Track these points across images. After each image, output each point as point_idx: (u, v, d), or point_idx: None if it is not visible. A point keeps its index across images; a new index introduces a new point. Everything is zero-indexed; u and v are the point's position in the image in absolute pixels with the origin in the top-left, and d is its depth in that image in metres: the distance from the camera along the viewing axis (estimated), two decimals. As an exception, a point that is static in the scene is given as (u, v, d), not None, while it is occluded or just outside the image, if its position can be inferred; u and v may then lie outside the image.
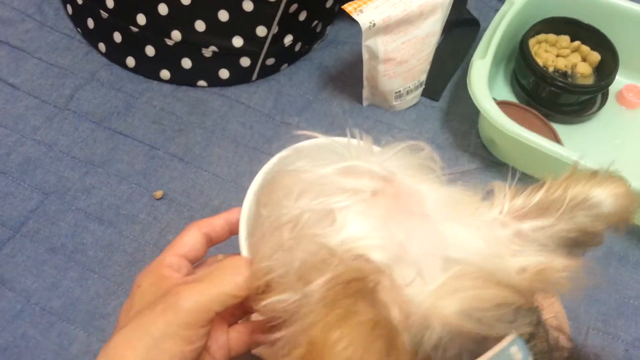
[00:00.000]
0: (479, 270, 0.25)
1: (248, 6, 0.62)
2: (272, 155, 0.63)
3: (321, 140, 0.34)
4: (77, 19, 0.71)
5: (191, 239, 0.34)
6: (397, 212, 0.27)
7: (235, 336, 0.33)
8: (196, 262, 0.34)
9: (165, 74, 0.68)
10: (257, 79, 0.69)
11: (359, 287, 0.23)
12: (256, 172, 0.62)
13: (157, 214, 0.59)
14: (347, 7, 0.56)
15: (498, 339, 0.24)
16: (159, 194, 0.60)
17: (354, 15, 0.56)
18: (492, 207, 0.28)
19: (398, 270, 0.24)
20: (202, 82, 0.68)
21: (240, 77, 0.68)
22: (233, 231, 0.35)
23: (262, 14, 0.62)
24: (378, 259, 0.25)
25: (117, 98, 0.67)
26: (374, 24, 0.56)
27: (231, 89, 0.68)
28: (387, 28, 0.57)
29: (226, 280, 0.29)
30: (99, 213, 0.59)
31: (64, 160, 0.62)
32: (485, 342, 0.24)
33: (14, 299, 0.54)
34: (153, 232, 0.58)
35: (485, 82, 0.58)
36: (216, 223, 0.35)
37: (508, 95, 0.70)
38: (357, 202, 0.27)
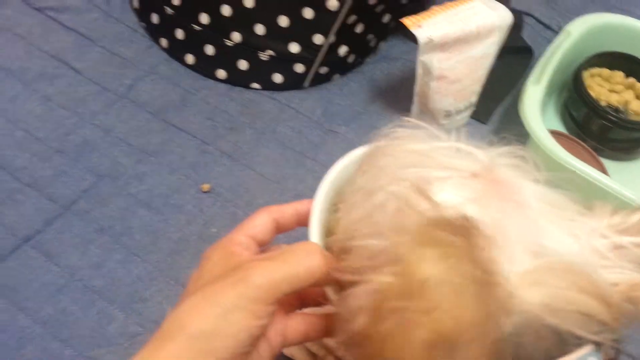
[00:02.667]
0: (571, 272, 0.24)
1: (308, 14, 0.63)
2: (317, 161, 0.65)
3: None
4: (143, 13, 0.74)
5: (261, 222, 0.34)
6: (494, 195, 0.27)
7: (292, 325, 0.33)
8: (263, 246, 0.35)
9: (221, 73, 0.70)
10: (309, 86, 0.70)
11: (459, 230, 0.22)
12: (301, 175, 0.64)
13: (202, 206, 0.61)
14: (406, 21, 0.58)
15: (576, 346, 0.24)
16: (206, 187, 0.62)
17: (413, 30, 0.57)
18: (592, 217, 0.28)
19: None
20: (255, 85, 0.70)
21: (293, 82, 0.70)
22: (301, 222, 0.36)
23: (321, 22, 0.64)
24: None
25: (174, 92, 0.69)
26: (432, 40, 0.57)
27: (283, 94, 0.70)
28: (444, 45, 0.58)
29: (298, 262, 0.30)
30: (148, 200, 0.61)
31: (120, 146, 0.65)
32: (561, 345, 0.24)
33: (58, 274, 0.56)
34: (197, 223, 0.60)
35: (537, 107, 0.58)
36: (286, 211, 0.36)
37: (558, 126, 0.70)
38: (456, 178, 0.27)
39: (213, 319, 0.27)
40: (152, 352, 0.28)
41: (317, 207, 0.35)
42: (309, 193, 0.61)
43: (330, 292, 0.32)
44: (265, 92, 0.70)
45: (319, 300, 0.36)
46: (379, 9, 0.67)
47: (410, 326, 0.21)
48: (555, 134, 0.66)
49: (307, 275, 0.30)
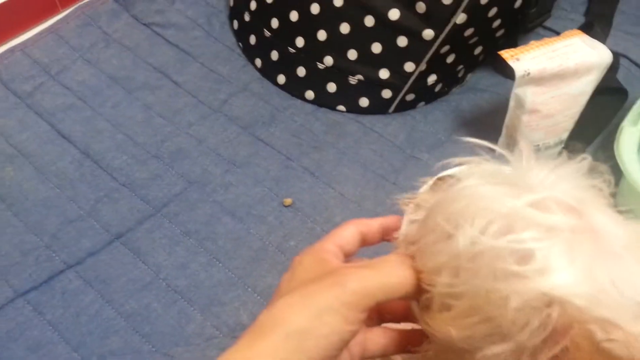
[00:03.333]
0: None
1: (402, 42, 0.65)
2: (397, 185, 0.65)
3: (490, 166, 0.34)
4: (241, 34, 0.79)
5: (349, 233, 0.35)
6: (595, 251, 0.26)
7: (372, 337, 0.34)
8: (348, 257, 0.36)
9: (310, 94, 0.73)
10: (393, 111, 0.72)
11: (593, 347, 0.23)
12: (380, 198, 0.64)
13: (283, 219, 0.63)
14: (504, 54, 0.58)
15: None
16: (288, 201, 0.63)
17: (510, 62, 0.57)
18: None
19: (597, 314, 0.24)
20: (341, 107, 0.72)
21: (379, 107, 0.71)
22: (385, 237, 0.36)
23: (414, 50, 0.65)
24: (585, 305, 0.24)
25: (264, 109, 0.73)
26: (528, 74, 0.56)
27: (367, 117, 0.72)
28: (540, 80, 0.57)
29: (391, 272, 0.30)
30: (233, 208, 0.63)
31: (210, 155, 0.68)
32: None
33: (145, 271, 0.59)
34: (277, 235, 0.61)
35: (635, 148, 0.56)
36: (372, 225, 0.36)
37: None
38: (557, 242, 0.26)
39: (308, 319, 0.28)
40: (248, 345, 0.29)
41: (407, 219, 0.35)
42: (387, 215, 0.62)
43: (415, 307, 0.32)
44: (350, 115, 0.72)
45: (397, 315, 0.36)
46: (472, 40, 0.68)
47: None
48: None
49: (399, 287, 0.30)
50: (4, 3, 0.76)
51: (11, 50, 0.77)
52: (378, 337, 0.34)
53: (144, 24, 0.82)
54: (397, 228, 0.37)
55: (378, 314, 0.36)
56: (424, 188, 0.41)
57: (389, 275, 0.30)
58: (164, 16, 0.82)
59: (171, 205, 0.64)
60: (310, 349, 0.28)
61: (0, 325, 0.55)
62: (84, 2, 0.84)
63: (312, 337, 0.28)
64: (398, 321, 0.37)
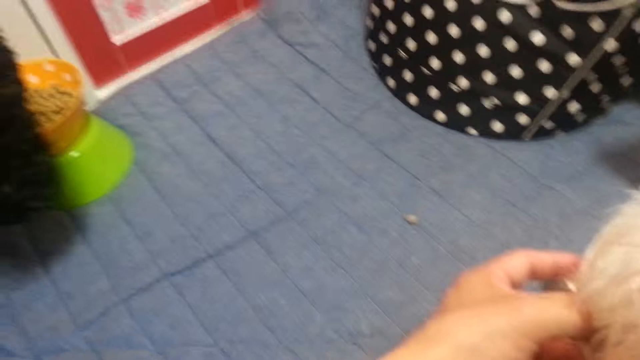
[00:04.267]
0: None
1: (545, 67, 0.64)
2: (528, 213, 0.64)
3: None
4: (376, 55, 0.82)
5: (519, 263, 0.35)
6: None
7: None
8: (515, 288, 0.36)
9: (441, 116, 0.74)
10: (529, 138, 0.70)
11: None
12: (509, 225, 0.63)
13: (406, 235, 0.64)
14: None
15: None
16: (413, 219, 0.65)
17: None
18: None
19: None
20: (473, 131, 0.72)
21: (513, 133, 0.70)
22: (558, 274, 0.36)
23: (556, 76, 0.64)
24: None
25: (393, 127, 0.75)
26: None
27: (500, 142, 0.71)
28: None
29: (568, 308, 0.29)
30: (358, 219, 0.66)
31: (340, 168, 0.71)
32: None
33: (275, 269, 0.63)
34: (399, 250, 0.63)
35: None
36: (545, 259, 0.35)
37: None
38: None
39: (480, 336, 0.29)
40: (418, 351, 0.30)
41: (589, 257, 0.34)
42: (516, 244, 0.61)
43: (587, 350, 0.31)
44: (482, 139, 0.72)
45: (556, 356, 0.35)
46: (622, 70, 0.65)
47: None
48: None
49: (574, 324, 0.30)
50: (170, 21, 0.87)
51: (174, 62, 0.88)
52: None
53: (288, 43, 0.89)
54: (571, 267, 0.36)
55: (536, 353, 0.36)
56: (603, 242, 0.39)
57: (566, 310, 0.30)
58: (306, 37, 0.88)
59: (302, 210, 0.68)
60: None
61: (147, 301, 0.62)
62: (237, 22, 0.93)
63: (480, 355, 0.29)
64: None
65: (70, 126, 0.66)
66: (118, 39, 0.83)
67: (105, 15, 0.79)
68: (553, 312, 0.30)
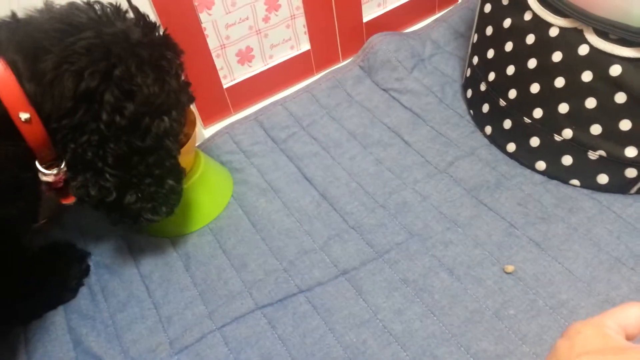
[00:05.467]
0: None
1: (657, 121, 0.61)
2: (636, 271, 0.60)
3: None
4: (473, 102, 0.83)
5: (633, 314, 0.34)
6: None
7: None
8: (629, 340, 0.35)
9: (541, 165, 0.72)
10: (636, 192, 0.67)
11: None
12: (615, 282, 0.60)
13: (503, 285, 0.62)
14: None
15: None
16: (510, 268, 0.63)
17: None
18: None
19: None
20: (575, 181, 0.70)
21: (619, 186, 0.67)
22: None
23: (670, 131, 0.61)
24: None
25: (490, 174, 0.74)
26: None
27: (605, 195, 0.68)
28: None
29: None
30: (451, 266, 0.65)
31: (432, 212, 0.71)
32: None
33: (365, 309, 0.64)
34: (495, 300, 0.61)
35: None
36: None
37: None
38: None
39: None
40: None
41: None
42: (621, 301, 0.58)
43: None
44: (585, 190, 0.69)
45: None
46: None
47: None
48: None
49: None
50: (273, 67, 0.92)
51: (274, 104, 0.93)
52: None
53: (383, 89, 0.91)
54: None
55: None
56: None
57: None
58: (401, 83, 0.90)
59: (392, 252, 0.68)
60: None
61: (241, 331, 0.64)
62: (334, 68, 0.97)
63: None
64: None
65: (187, 160, 0.72)
66: (226, 82, 0.89)
67: (218, 62, 0.86)
68: None
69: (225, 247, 0.73)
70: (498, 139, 0.77)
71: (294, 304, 0.65)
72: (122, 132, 0.53)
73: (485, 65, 0.78)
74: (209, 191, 0.77)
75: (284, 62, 0.93)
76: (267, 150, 0.86)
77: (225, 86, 0.90)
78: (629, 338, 0.34)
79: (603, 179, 0.67)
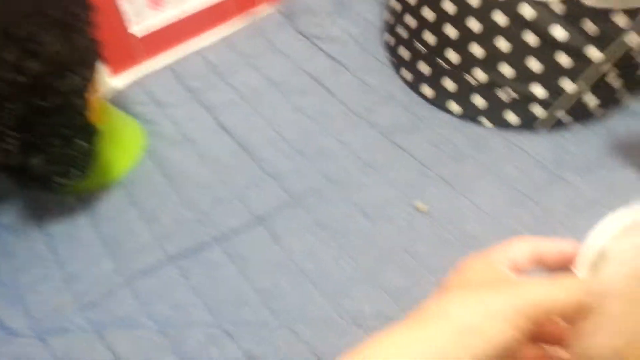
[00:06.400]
0: None
1: (564, 60, 0.62)
2: (539, 204, 0.62)
3: None
4: (394, 49, 0.82)
5: (522, 249, 0.34)
6: None
7: (528, 354, 0.33)
8: (518, 273, 0.35)
9: (456, 107, 0.72)
10: (543, 130, 0.69)
11: None
12: (520, 215, 0.61)
13: (415, 223, 0.63)
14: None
15: None
16: (421, 206, 0.64)
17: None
18: None
19: None
20: (487, 122, 0.71)
21: (528, 124, 0.69)
22: (563, 264, 0.35)
23: (576, 70, 0.62)
24: None
25: (406, 118, 0.74)
26: None
27: (514, 134, 0.69)
28: None
29: (569, 292, 0.29)
30: (366, 208, 0.65)
31: (350, 157, 0.71)
32: None
33: (279, 254, 0.63)
34: (406, 237, 0.62)
35: None
36: (550, 247, 0.35)
37: None
38: None
39: (478, 317, 0.28)
40: (416, 329, 0.30)
41: (593, 244, 0.33)
42: (524, 232, 0.60)
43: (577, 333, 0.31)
44: (496, 130, 0.70)
45: (555, 338, 0.35)
46: (638, 60, 0.63)
47: None
48: None
49: (574, 308, 0.29)
50: (189, 14, 0.88)
51: (191, 53, 0.89)
52: (532, 355, 0.33)
53: (305, 37, 0.89)
54: (575, 254, 0.35)
55: (536, 332, 0.35)
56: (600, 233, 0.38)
57: (566, 294, 0.29)
58: (323, 29, 0.88)
59: (309, 198, 0.67)
60: (474, 347, 0.28)
61: (151, 284, 0.62)
62: (255, 15, 0.94)
63: (478, 335, 0.28)
64: (553, 344, 0.35)
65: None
66: (137, 29, 0.84)
67: (126, 6, 0.80)
68: (553, 296, 0.29)
69: (136, 201, 0.70)
70: (416, 84, 0.77)
71: (207, 254, 0.64)
72: (24, 91, 0.49)
73: (404, 11, 0.77)
74: (118, 145, 0.73)
75: (198, 6, 0.88)
76: (182, 100, 0.82)
77: (134, 32, 0.84)
78: (518, 271, 0.34)
79: (512, 118, 0.69)
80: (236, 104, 0.80)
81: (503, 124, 0.69)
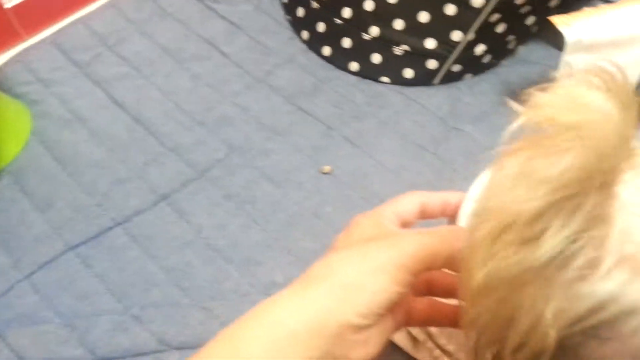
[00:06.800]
0: None
1: (450, 10, 0.63)
2: (437, 155, 0.64)
3: None
4: (289, 7, 0.80)
5: (409, 203, 0.35)
6: None
7: (418, 307, 0.34)
8: (406, 227, 0.36)
9: (354, 66, 0.72)
10: (438, 83, 0.70)
11: None
12: (419, 168, 0.63)
13: (320, 186, 0.63)
14: (555, 19, 0.55)
15: None
16: (327, 169, 0.64)
17: (561, 28, 0.54)
18: None
19: None
20: (385, 79, 0.71)
21: (423, 78, 0.70)
22: (446, 213, 0.36)
23: (462, 19, 0.64)
24: None
25: (307, 80, 0.73)
26: (580, 41, 0.54)
27: (411, 89, 0.71)
28: (592, 47, 0.55)
29: (446, 241, 0.30)
30: (272, 174, 0.64)
31: (252, 124, 0.69)
32: None
33: (187, 231, 0.61)
34: (314, 201, 0.62)
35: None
36: (434, 198, 0.36)
37: None
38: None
39: (360, 274, 0.29)
40: (298, 291, 0.30)
41: (470, 198, 0.35)
42: (426, 185, 0.62)
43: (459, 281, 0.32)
44: (394, 86, 0.71)
45: (446, 290, 0.36)
46: (524, 9, 0.65)
47: None
48: None
49: (454, 257, 0.30)
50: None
51: (74, 23, 0.82)
52: (424, 307, 0.34)
53: (197, -1, 0.84)
54: (458, 205, 0.37)
55: (427, 286, 0.37)
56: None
57: (444, 244, 0.31)
58: (216, -9, 0.84)
59: (214, 169, 0.66)
60: (357, 303, 0.29)
61: (51, 276, 0.59)
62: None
63: (361, 291, 0.29)
64: (446, 297, 0.37)
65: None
66: (10, 2, 0.76)
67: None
68: (430, 246, 0.30)
69: (27, 189, 0.65)
70: (314, 44, 0.76)
71: (110, 239, 0.61)
72: None
73: (294, -34, 0.75)
74: (1, 130, 0.67)
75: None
76: (69, 76, 0.76)
77: (7, 5, 0.76)
78: (406, 225, 0.35)
79: (409, 73, 0.70)
80: (128, 76, 0.75)
81: (400, 80, 0.70)
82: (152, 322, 0.54)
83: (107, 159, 0.67)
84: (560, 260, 0.21)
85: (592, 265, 0.21)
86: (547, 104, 0.23)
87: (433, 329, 0.45)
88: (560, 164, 0.21)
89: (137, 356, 0.53)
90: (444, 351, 0.45)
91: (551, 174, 0.21)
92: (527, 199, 0.22)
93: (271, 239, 0.59)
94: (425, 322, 0.35)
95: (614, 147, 0.22)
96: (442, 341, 0.44)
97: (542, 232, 0.21)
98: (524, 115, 0.24)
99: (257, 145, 0.67)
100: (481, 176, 0.37)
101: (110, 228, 0.62)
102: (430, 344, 0.45)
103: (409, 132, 0.66)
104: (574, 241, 0.21)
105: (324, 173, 0.64)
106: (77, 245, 0.60)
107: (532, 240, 0.21)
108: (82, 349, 0.53)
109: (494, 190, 0.25)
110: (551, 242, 0.21)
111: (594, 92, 0.22)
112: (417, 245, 0.30)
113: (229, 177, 0.65)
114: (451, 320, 0.34)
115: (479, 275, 0.23)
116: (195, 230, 0.61)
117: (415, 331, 0.46)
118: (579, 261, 0.21)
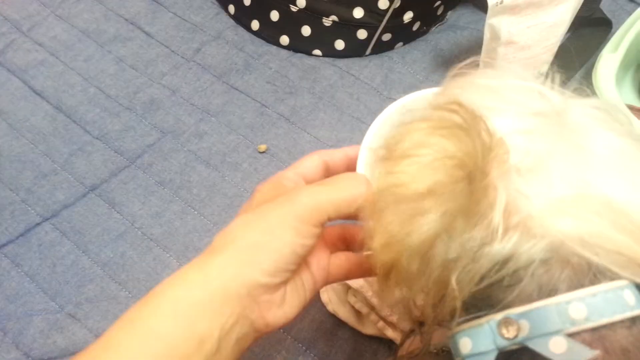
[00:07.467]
0: (612, 209, 0.23)
1: (374, -22, 0.63)
2: (366, 123, 0.64)
3: None
4: (213, -19, 0.76)
5: (311, 162, 0.35)
6: (554, 134, 0.25)
7: (336, 262, 0.34)
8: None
9: (284, 39, 0.71)
10: (370, 53, 0.70)
11: (460, 131, 0.23)
12: (356, 140, 0.63)
13: (258, 165, 0.62)
14: (476, -17, 0.55)
15: (609, 279, 0.22)
16: (263, 147, 0.63)
17: (482, -9, 0.55)
18: None
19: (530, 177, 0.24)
20: (317, 51, 0.70)
21: (355, 49, 0.69)
22: (350, 166, 0.36)
23: (387, -13, 0.63)
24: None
25: (238, 57, 0.71)
26: (502, 2, 0.54)
27: (344, 61, 0.70)
28: (515, 9, 0.55)
29: (343, 188, 0.30)
30: (207, 157, 0.62)
31: (184, 105, 0.67)
32: (591, 277, 0.22)
33: (120, 221, 0.59)
34: (252, 181, 0.61)
35: (612, 76, 0.54)
36: (336, 154, 0.36)
37: (635, 102, 0.65)
38: (517, 113, 0.26)
39: (260, 233, 0.29)
40: (203, 263, 0.29)
41: (365, 144, 0.35)
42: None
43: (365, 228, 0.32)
44: (326, 59, 0.70)
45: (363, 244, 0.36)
46: (448, -26, 0.65)
47: None
48: (632, 109, 0.61)
49: (351, 201, 0.30)
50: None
51: (-20, 8, 0.76)
52: (341, 262, 0.34)
53: (115, -24, 0.80)
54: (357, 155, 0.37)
55: (344, 243, 0.37)
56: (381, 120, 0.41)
57: (341, 190, 0.31)
58: (135, -33, 0.79)
59: (145, 156, 0.63)
60: (262, 262, 0.29)
61: (-21, 279, 0.55)
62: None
63: (263, 250, 0.29)
64: (363, 250, 0.37)
65: None
66: None
67: None
68: (329, 195, 0.30)
69: (-59, 190, 0.61)
70: (242, 18, 0.74)
71: (38, 235, 0.58)
72: None
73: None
74: None
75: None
76: (-20, 66, 0.71)
77: None
78: (310, 183, 0.35)
79: (340, 44, 0.69)
80: (47, 63, 0.71)
81: (332, 52, 0.69)
82: (88, 318, 0.52)
83: (28, 152, 0.64)
84: (455, 234, 0.24)
85: (489, 234, 0.23)
86: (401, 171, 0.25)
87: (375, 301, 0.46)
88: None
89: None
90: (388, 322, 0.46)
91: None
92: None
93: (210, 224, 0.58)
94: (345, 276, 0.35)
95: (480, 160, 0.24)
96: (385, 312, 0.45)
97: (429, 210, 0.23)
98: (382, 181, 0.26)
99: (190, 127, 0.65)
100: (373, 125, 0.39)
101: (38, 224, 0.59)
102: (373, 316, 0.45)
103: (344, 105, 0.66)
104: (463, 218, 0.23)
105: (261, 152, 0.63)
106: (4, 245, 0.57)
107: (420, 215, 0.24)
108: (16, 352, 0.51)
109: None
110: (435, 219, 0.23)
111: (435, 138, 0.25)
112: (313, 196, 0.30)
113: (161, 162, 0.62)
114: (370, 270, 0.35)
115: (380, 238, 0.24)
116: (129, 220, 0.59)
117: (358, 305, 0.46)
118: (478, 233, 0.23)
